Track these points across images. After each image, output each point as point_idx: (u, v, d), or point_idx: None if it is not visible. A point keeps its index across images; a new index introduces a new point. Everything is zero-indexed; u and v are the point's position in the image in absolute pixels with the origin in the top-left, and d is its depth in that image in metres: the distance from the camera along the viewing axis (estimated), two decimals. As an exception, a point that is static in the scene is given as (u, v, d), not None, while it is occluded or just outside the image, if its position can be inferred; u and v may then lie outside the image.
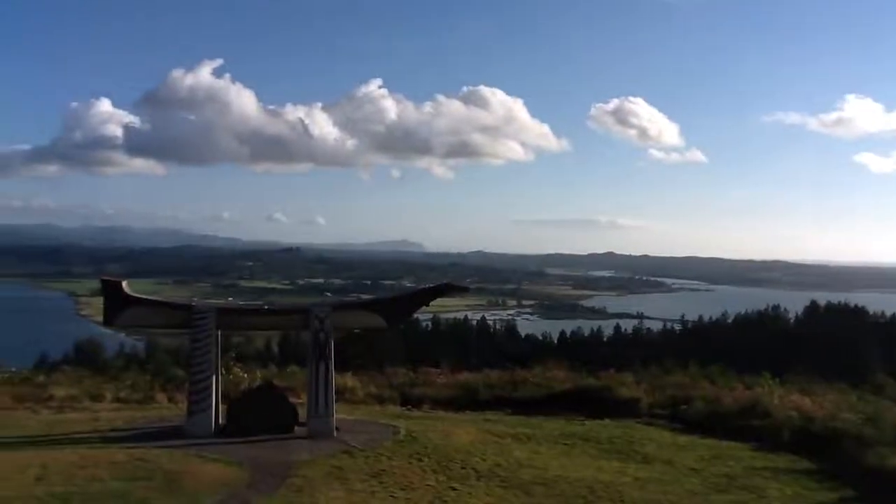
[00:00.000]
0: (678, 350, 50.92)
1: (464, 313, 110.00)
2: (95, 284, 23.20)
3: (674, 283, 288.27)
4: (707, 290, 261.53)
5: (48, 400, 19.62)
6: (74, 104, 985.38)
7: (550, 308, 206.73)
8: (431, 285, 19.72)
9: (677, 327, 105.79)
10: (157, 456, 13.38)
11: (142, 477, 12.05)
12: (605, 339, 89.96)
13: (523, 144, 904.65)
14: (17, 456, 13.20)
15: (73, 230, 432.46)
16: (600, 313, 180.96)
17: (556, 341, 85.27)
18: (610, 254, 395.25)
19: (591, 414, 19.39)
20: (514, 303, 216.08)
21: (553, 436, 16.64)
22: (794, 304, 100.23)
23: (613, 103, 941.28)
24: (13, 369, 23.59)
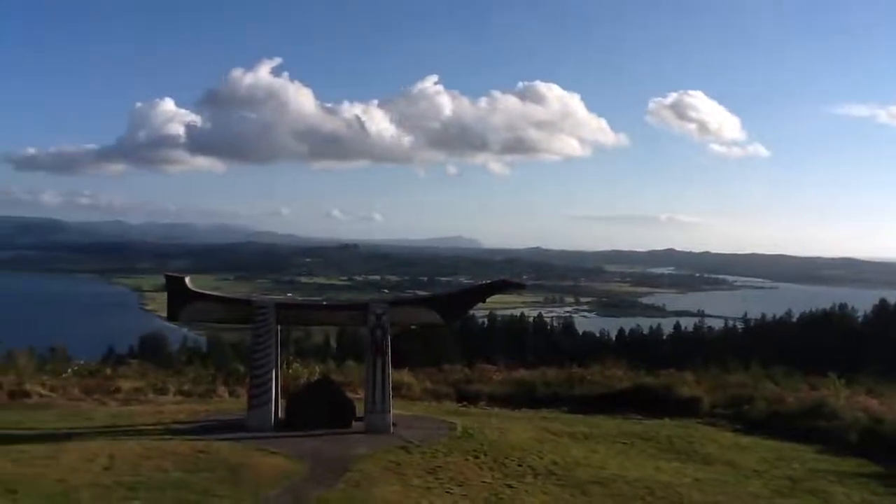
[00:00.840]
0: (740, 349, 49.87)
1: (520, 310, 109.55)
2: (160, 280, 23.82)
3: (736, 281, 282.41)
4: (771, 288, 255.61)
5: (115, 392, 20.21)
6: (139, 104, 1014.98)
7: (608, 305, 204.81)
8: (488, 282, 19.66)
9: (739, 326, 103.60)
10: (218, 448, 13.64)
11: (204, 468, 12.30)
12: (664, 337, 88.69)
13: (580, 140, 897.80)
14: (86, 446, 13.61)
15: (138, 227, 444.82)
16: (660, 311, 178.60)
17: (614, 339, 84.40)
18: (670, 250, 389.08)
19: (649, 413, 19.11)
20: (571, 300, 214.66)
21: (611, 435, 16.45)
22: (862, 302, 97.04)
23: (672, 97, 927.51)
24: (82, 361, 24.29)
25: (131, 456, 12.87)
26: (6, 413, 17.47)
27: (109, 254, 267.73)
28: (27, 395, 19.27)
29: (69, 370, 21.94)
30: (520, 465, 13.31)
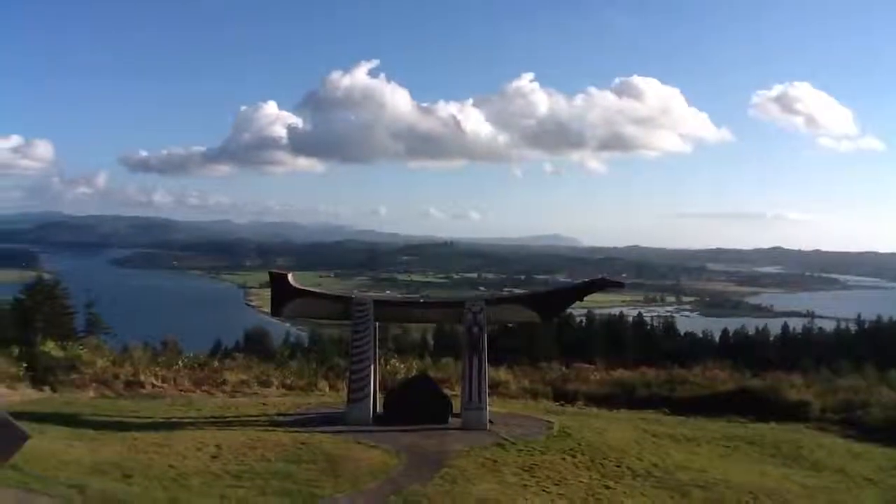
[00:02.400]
0: (853, 352, 47.53)
1: (619, 309, 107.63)
2: (264, 277, 24.55)
3: (849, 280, 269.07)
4: (887, 288, 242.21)
5: (222, 384, 21.00)
6: (244, 108, 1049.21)
7: (712, 305, 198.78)
8: (586, 280, 19.45)
9: (852, 327, 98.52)
10: (319, 440, 13.98)
11: (306, 460, 12.62)
12: (771, 338, 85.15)
13: (680, 135, 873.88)
14: (196, 435, 14.20)
15: (244, 226, 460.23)
16: (766, 311, 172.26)
17: (717, 340, 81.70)
18: (777, 248, 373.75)
19: (755, 416, 18.50)
20: (672, 299, 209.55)
21: (713, 438, 15.98)
22: None
23: (777, 89, 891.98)
24: (191, 354, 25.28)
25: (237, 445, 13.36)
26: (122, 402, 18.44)
27: (217, 252, 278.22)
28: (142, 385, 20.27)
29: (180, 362, 22.89)
30: (618, 466, 13.09)
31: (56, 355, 20.94)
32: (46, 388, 19.39)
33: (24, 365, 20.03)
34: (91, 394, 19.35)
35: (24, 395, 18.45)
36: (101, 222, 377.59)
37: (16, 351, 21.21)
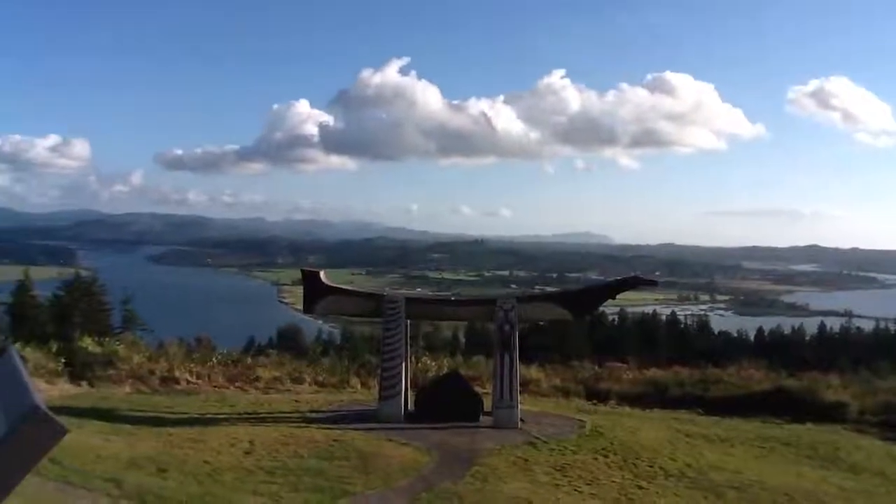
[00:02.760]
0: (893, 352, 46.60)
1: (652, 307, 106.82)
2: (296, 274, 24.71)
3: (888, 279, 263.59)
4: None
5: (255, 381, 21.18)
6: (276, 106, 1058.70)
7: (746, 304, 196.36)
8: (618, 278, 19.33)
9: (892, 327, 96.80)
10: (351, 437, 14.04)
11: (338, 456, 12.69)
12: (807, 337, 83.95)
13: (714, 131, 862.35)
14: (230, 431, 14.34)
15: (277, 224, 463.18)
16: (802, 310, 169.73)
17: (752, 339, 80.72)
18: (814, 246, 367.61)
19: (791, 417, 18.22)
20: (706, 297, 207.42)
21: (748, 438, 15.78)
22: None
23: (813, 84, 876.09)
24: (225, 351, 25.54)
25: (270, 442, 13.47)
26: (158, 397, 18.68)
27: (250, 249, 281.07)
28: (177, 381, 20.51)
29: (214, 359, 23.13)
30: (651, 466, 12.98)
31: (93, 351, 21.27)
32: (84, 383, 19.70)
33: (63, 360, 20.38)
34: (127, 389, 19.63)
35: (63, 390, 18.77)
36: (136, 220, 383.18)
37: (54, 346, 21.60)
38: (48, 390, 17.90)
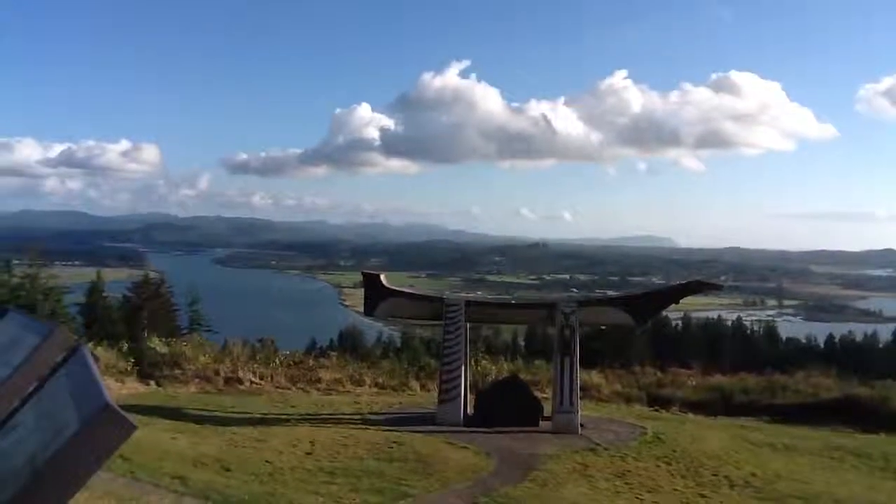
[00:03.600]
0: (972, 361, 44.72)
1: (717, 312, 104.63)
2: (358, 277, 24.95)
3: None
4: None
5: (317, 382, 21.47)
6: (338, 110, 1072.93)
7: (816, 309, 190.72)
8: (681, 282, 18.99)
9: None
10: (410, 440, 14.11)
11: (397, 458, 12.76)
12: (880, 344, 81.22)
13: (782, 132, 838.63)
14: (291, 431, 14.57)
15: (339, 226, 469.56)
16: (875, 316, 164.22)
17: (821, 345, 78.48)
18: (889, 250, 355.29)
19: (862, 427, 17.62)
20: (773, 303, 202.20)
21: (817, 448, 15.31)
22: None
23: (886, 82, 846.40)
24: (287, 352, 25.94)
25: (331, 443, 13.63)
26: (222, 398, 19.09)
27: (313, 252, 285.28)
28: (240, 381, 20.94)
29: (277, 360, 23.52)
30: (715, 475, 12.70)
31: (161, 351, 21.87)
32: (152, 382, 20.27)
33: (132, 360, 21.01)
34: (193, 389, 20.11)
35: (132, 388, 19.34)
36: (203, 223, 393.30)
37: (124, 346, 22.29)
38: (118, 389, 18.47)
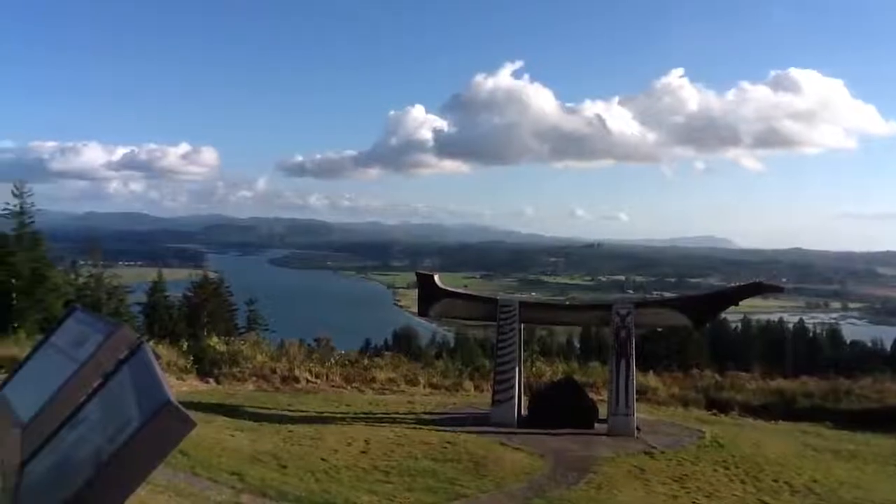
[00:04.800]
0: None
1: (778, 315, 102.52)
2: (412, 277, 25.08)
3: None
4: None
5: (371, 381, 21.60)
6: (392, 112, 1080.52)
7: (883, 312, 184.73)
8: (741, 284, 18.61)
9: None
10: (464, 440, 14.12)
11: (451, 459, 12.78)
12: (953, 349, 78.34)
13: (844, 130, 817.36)
14: (346, 430, 14.70)
15: (394, 227, 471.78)
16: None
17: (888, 350, 76.09)
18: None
19: (932, 434, 17.01)
20: (837, 305, 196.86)
21: (883, 455, 14.83)
22: None
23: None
24: (343, 352, 26.16)
25: (385, 442, 13.71)
26: (279, 396, 19.36)
27: (368, 252, 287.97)
28: (296, 380, 21.19)
29: (332, 359, 23.74)
30: (775, 481, 12.40)
31: (220, 349, 22.28)
32: (211, 380, 20.66)
33: (192, 358, 21.47)
34: (250, 387, 20.44)
35: (192, 386, 19.75)
36: (260, 224, 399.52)
37: (185, 344, 22.79)
38: (178, 386, 18.88)
